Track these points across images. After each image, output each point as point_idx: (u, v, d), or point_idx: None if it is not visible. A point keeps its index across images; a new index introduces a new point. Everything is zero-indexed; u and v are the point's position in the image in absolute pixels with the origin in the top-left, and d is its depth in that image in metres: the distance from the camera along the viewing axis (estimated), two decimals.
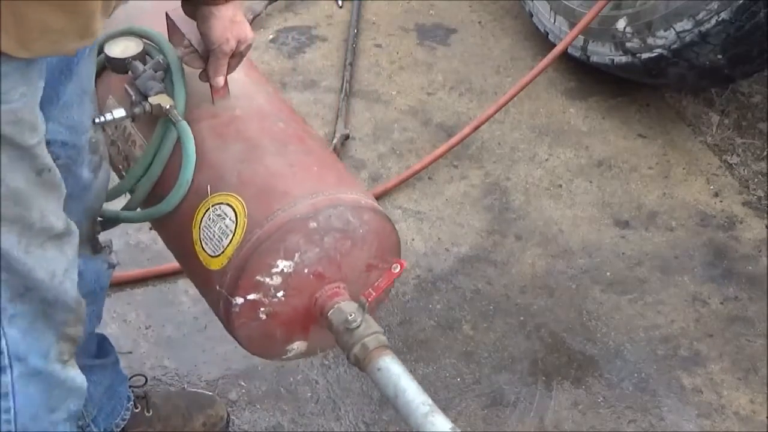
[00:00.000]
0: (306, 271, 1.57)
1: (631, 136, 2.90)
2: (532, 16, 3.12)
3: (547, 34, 3.05)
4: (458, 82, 3.03)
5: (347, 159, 2.72)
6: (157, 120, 1.67)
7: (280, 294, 1.58)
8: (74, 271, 1.52)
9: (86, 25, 1.30)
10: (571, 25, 2.88)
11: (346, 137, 2.75)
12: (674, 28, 2.62)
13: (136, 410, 1.96)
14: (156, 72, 1.67)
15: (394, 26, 3.23)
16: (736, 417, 2.16)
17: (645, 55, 2.72)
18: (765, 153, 2.87)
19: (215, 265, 1.58)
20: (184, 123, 1.64)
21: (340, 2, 3.28)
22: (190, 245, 1.62)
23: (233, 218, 1.57)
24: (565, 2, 2.94)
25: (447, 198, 2.64)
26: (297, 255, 1.55)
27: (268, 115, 1.73)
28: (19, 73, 1.27)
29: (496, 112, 2.77)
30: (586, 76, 3.04)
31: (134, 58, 1.67)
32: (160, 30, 1.75)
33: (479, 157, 2.78)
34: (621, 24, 2.76)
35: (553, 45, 2.93)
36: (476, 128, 2.75)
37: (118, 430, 1.92)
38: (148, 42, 1.72)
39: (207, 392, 2.10)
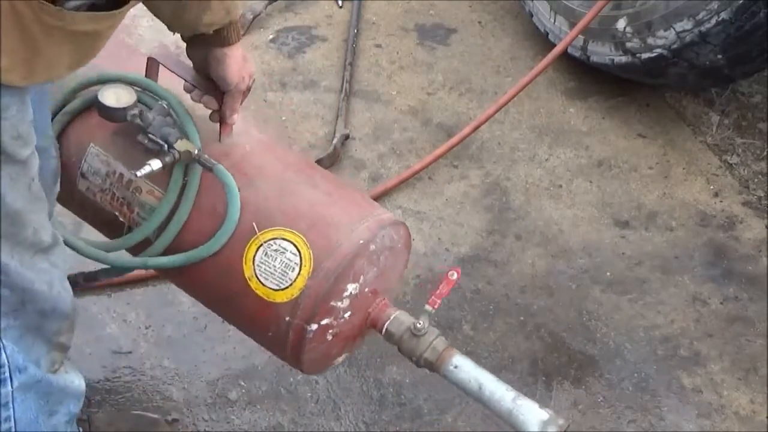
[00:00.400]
0: (366, 290, 1.71)
1: (631, 136, 2.90)
2: (532, 16, 3.12)
3: (547, 34, 3.05)
4: (458, 82, 3.03)
5: (347, 159, 2.72)
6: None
7: (347, 315, 1.70)
8: (66, 280, 1.53)
9: (86, 59, 1.36)
10: (571, 25, 2.87)
11: (346, 137, 2.75)
12: (674, 28, 2.62)
13: None
14: (165, 118, 1.71)
15: (394, 26, 3.23)
16: (736, 417, 2.16)
17: (645, 55, 2.72)
18: (765, 153, 2.87)
19: (282, 297, 1.67)
20: (221, 166, 1.67)
21: (340, 2, 3.28)
22: (240, 283, 1.68)
23: (295, 251, 1.66)
24: (565, 2, 2.94)
25: (447, 198, 2.64)
26: (362, 277, 1.68)
27: (273, 146, 1.82)
28: (12, 92, 1.30)
29: (496, 112, 2.77)
30: (586, 76, 3.04)
31: (133, 106, 1.68)
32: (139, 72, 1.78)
33: (479, 157, 2.78)
34: (621, 24, 2.76)
35: (553, 45, 2.93)
36: (476, 128, 2.75)
37: None
38: (137, 88, 1.74)
39: (152, 414, 2.04)
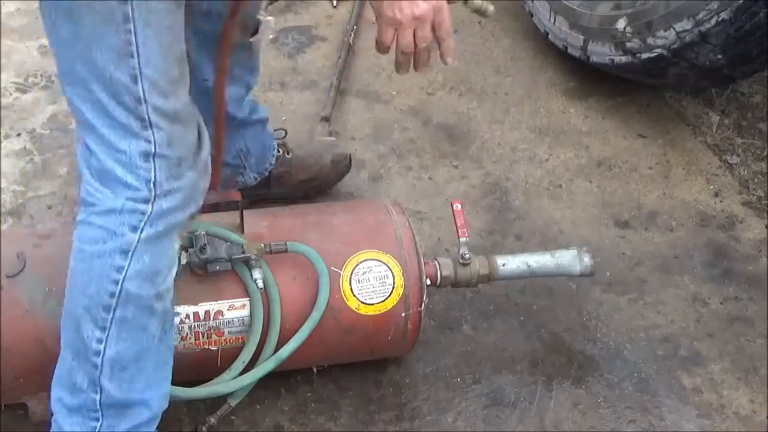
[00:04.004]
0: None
1: (631, 136, 2.90)
2: (532, 16, 3.12)
3: (547, 34, 3.05)
4: (458, 82, 3.03)
5: None
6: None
7: (428, 282, 2.00)
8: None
9: None
10: (571, 25, 2.88)
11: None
12: (674, 28, 2.62)
13: (278, 153, 2.41)
14: (211, 241, 1.84)
15: None
16: (736, 417, 2.16)
17: (645, 55, 2.72)
18: (765, 153, 2.87)
19: (391, 303, 1.93)
20: (289, 242, 1.88)
21: (334, 2, 3.28)
22: (350, 316, 1.91)
23: (378, 262, 1.92)
24: (565, 2, 2.94)
25: (447, 198, 2.63)
26: (421, 246, 2.01)
27: (271, 212, 2.06)
28: None
29: None
30: (586, 76, 3.04)
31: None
32: None
33: (479, 157, 2.78)
34: (621, 24, 2.76)
35: (553, 45, 2.93)
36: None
37: (267, 172, 2.39)
38: None
39: (330, 138, 2.54)
